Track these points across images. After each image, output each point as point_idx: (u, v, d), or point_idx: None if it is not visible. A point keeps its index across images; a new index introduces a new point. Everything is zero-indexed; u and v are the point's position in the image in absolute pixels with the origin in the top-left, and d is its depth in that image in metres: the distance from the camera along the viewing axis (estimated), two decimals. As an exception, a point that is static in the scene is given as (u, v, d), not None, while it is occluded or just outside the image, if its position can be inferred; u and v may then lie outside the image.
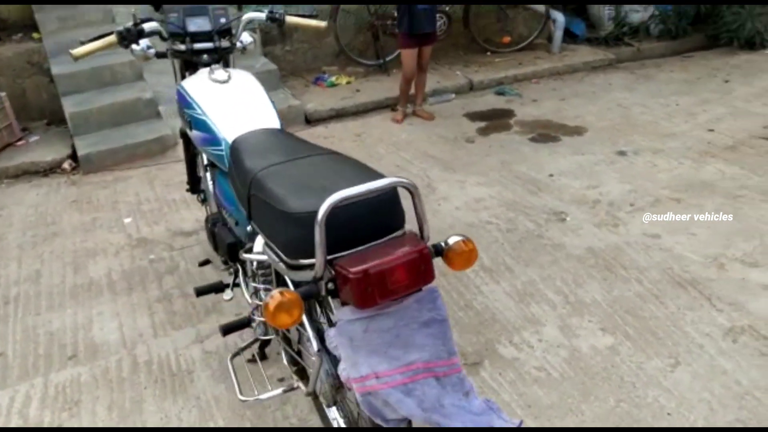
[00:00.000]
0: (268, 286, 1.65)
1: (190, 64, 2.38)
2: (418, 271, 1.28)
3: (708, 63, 5.68)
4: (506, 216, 3.27)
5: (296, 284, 1.43)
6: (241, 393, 1.78)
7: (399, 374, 1.29)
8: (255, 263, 1.64)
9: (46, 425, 2.11)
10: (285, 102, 4.66)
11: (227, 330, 1.85)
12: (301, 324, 1.53)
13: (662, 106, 4.67)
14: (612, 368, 2.22)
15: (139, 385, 2.26)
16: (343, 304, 1.31)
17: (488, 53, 5.87)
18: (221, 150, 1.91)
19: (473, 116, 4.68)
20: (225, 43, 2.31)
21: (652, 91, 4.99)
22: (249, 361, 2.20)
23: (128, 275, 2.91)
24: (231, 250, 2.08)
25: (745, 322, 2.41)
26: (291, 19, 2.34)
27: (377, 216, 1.35)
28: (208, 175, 2.16)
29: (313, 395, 1.58)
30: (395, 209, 1.38)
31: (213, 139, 1.95)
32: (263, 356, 2.21)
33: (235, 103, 2.05)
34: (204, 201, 2.86)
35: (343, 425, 1.89)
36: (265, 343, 2.14)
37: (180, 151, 2.92)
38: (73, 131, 4.28)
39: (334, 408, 1.83)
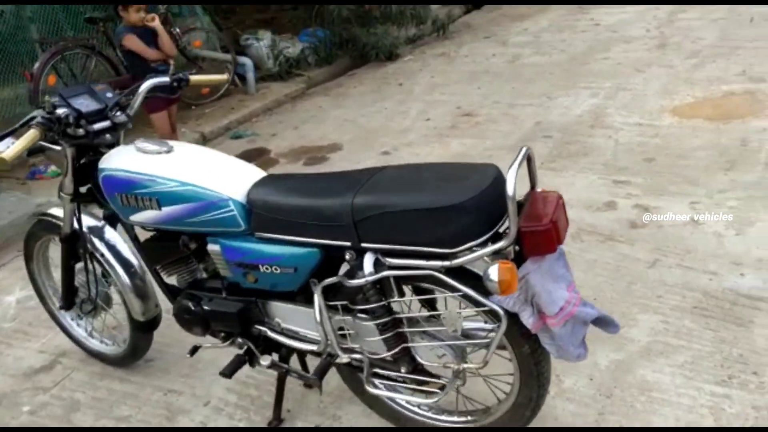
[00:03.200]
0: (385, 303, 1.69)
1: (83, 151, 2.08)
2: (566, 215, 1.61)
3: (373, 75, 6.80)
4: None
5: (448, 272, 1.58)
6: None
7: (574, 295, 1.60)
8: (366, 286, 1.67)
9: None
10: (24, 208, 3.97)
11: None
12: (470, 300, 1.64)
13: (376, 112, 5.51)
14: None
15: None
16: (522, 260, 1.55)
17: (192, 107, 5.89)
18: (229, 211, 1.82)
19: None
20: (122, 118, 2.10)
21: (358, 104, 5.80)
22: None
23: (18, 439, 2.29)
24: (243, 316, 1.98)
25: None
26: (195, 78, 2.25)
27: (502, 186, 1.61)
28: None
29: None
30: None
31: (209, 205, 1.83)
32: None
33: (209, 165, 1.96)
34: (93, 310, 2.43)
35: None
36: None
37: None
38: None
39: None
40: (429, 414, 2.02)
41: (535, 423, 2.06)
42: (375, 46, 7.16)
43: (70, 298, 2.42)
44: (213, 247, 1.91)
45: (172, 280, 2.21)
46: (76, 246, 2.29)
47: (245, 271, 1.87)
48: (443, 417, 2.01)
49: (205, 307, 2.02)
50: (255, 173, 1.95)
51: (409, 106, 5.55)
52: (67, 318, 2.66)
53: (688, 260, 2.89)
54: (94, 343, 2.63)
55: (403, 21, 7.82)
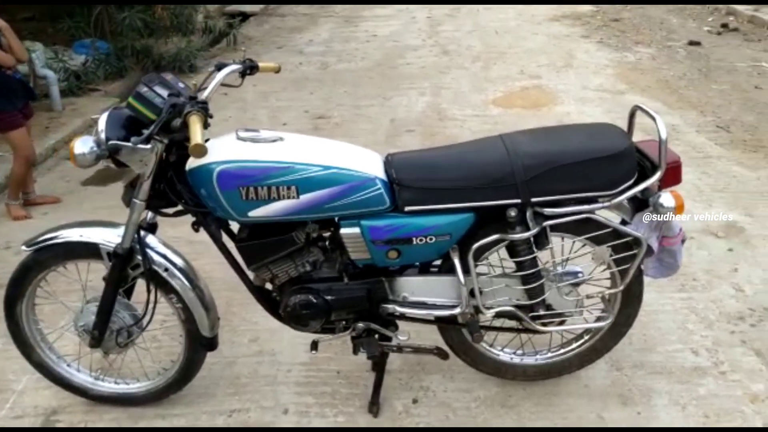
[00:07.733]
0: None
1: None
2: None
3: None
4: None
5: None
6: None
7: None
8: (527, 240, 1.86)
9: None
10: None
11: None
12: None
13: (223, 121, 5.23)
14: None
15: None
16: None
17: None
18: (375, 189, 1.85)
19: (95, 180, 4.17)
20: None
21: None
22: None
23: None
24: (371, 298, 1.99)
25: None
26: (263, 65, 2.12)
27: None
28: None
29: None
30: None
31: (356, 186, 1.83)
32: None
33: (334, 148, 1.95)
34: (130, 341, 2.10)
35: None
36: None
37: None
38: None
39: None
40: (528, 357, 2.25)
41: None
42: (175, 57, 6.79)
43: (104, 331, 2.03)
44: (349, 231, 1.87)
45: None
46: (126, 265, 1.95)
47: (390, 249, 1.88)
48: (539, 357, 2.26)
49: (328, 297, 1.95)
50: (370, 153, 1.98)
51: (255, 113, 5.48)
52: (62, 365, 2.19)
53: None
54: (108, 386, 2.22)
55: (193, 31, 7.55)
